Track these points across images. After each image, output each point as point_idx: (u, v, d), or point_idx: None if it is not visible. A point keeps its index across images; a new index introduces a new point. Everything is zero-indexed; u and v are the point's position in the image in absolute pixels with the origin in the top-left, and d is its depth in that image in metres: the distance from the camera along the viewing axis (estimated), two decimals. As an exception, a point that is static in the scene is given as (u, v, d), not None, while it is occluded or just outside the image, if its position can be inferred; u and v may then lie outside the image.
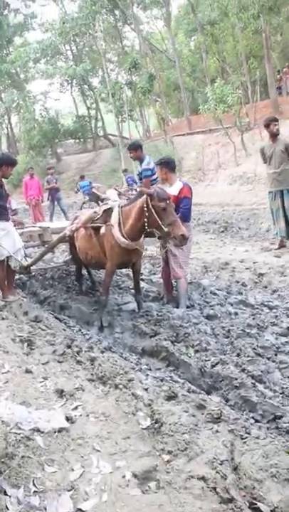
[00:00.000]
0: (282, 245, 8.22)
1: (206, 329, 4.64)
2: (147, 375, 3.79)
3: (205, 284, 6.08)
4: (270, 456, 2.55)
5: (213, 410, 3.13)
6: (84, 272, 6.72)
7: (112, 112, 31.34)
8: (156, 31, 42.77)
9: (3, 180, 5.93)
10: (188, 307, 5.45)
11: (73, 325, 5.12)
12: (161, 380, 3.68)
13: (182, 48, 37.21)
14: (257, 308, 5.16)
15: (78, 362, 3.97)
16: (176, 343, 4.46)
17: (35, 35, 42.73)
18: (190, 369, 4.00)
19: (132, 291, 6.31)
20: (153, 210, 4.67)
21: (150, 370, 4.02)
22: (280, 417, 3.18)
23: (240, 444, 2.73)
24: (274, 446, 2.66)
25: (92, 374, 3.72)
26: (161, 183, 6.11)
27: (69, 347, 4.24)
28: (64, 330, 4.87)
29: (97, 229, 5.41)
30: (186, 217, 5.44)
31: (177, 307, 5.43)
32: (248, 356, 3.93)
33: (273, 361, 3.89)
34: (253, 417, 3.28)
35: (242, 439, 2.81)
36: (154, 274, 7.34)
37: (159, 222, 4.64)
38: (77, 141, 41.84)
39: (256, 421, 3.25)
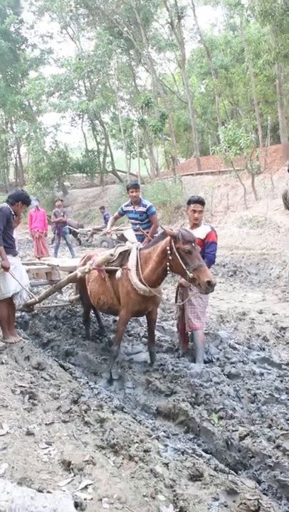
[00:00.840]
0: None
1: (229, 391, 4.15)
2: (166, 445, 3.29)
3: (223, 336, 5.61)
4: None
5: (249, 500, 2.62)
6: (92, 314, 6.25)
7: (122, 149, 31.39)
8: (169, 73, 43.49)
9: None
10: (206, 362, 4.97)
11: (79, 375, 4.62)
12: (183, 453, 3.19)
13: (194, 90, 37.65)
14: (284, 369, 4.66)
15: (86, 423, 3.47)
16: (196, 406, 3.96)
17: (51, 69, 43.48)
18: (213, 439, 3.50)
19: (143, 338, 5.85)
20: (177, 254, 4.27)
21: (168, 437, 3.51)
22: None
23: None
24: None
25: (102, 440, 3.22)
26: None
27: (76, 402, 3.76)
28: (70, 381, 4.37)
29: (112, 272, 4.96)
30: (211, 264, 5.21)
31: (194, 361, 4.96)
32: (282, 429, 3.44)
33: (311, 437, 3.39)
34: (293, 509, 2.77)
35: None
36: (166, 320, 6.86)
37: (184, 266, 4.23)
38: (85, 175, 41.92)
39: (298, 514, 2.75)
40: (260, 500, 2.62)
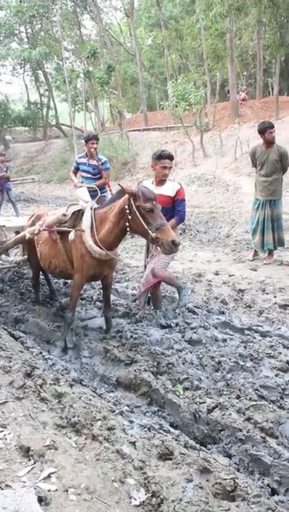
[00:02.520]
0: (255, 257, 7.70)
1: (192, 359, 3.96)
2: (131, 421, 3.07)
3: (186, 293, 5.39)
4: None
5: (224, 479, 2.46)
6: (41, 277, 5.87)
7: (66, 102, 30.19)
8: (115, 23, 41.77)
9: None
10: (164, 327, 4.77)
11: (32, 345, 4.30)
12: (149, 430, 2.98)
13: (142, 43, 36.42)
14: (247, 334, 4.52)
15: (42, 399, 3.19)
16: (158, 376, 3.76)
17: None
18: (179, 411, 3.32)
19: (97, 302, 5.57)
20: (137, 212, 3.93)
21: (132, 412, 3.30)
22: (304, 488, 2.55)
23: None
24: None
25: (61, 418, 2.96)
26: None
27: (29, 376, 3.46)
28: (21, 352, 4.04)
29: (64, 234, 4.56)
30: (182, 222, 5.14)
31: (155, 325, 4.83)
32: (251, 399, 3.30)
33: (282, 407, 3.26)
34: (268, 485, 2.64)
35: (272, 530, 2.17)
36: (119, 282, 6.60)
37: (145, 226, 3.89)
38: (27, 128, 40.28)
39: (272, 490, 2.62)
40: (235, 480, 2.46)
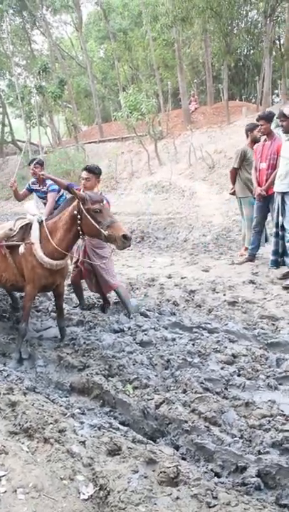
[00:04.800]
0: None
1: (142, 359, 4.11)
2: (82, 422, 3.19)
3: (133, 303, 5.55)
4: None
5: (167, 468, 2.61)
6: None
7: (21, 117, 30.12)
8: (66, 37, 41.96)
9: None
10: (117, 332, 4.91)
11: (-14, 359, 4.37)
12: (99, 429, 3.11)
13: (93, 55, 36.70)
14: (195, 332, 4.70)
15: (-4, 409, 3.28)
16: (110, 378, 3.89)
17: None
18: (130, 410, 3.45)
19: (52, 313, 5.66)
20: (87, 215, 4.11)
21: (84, 414, 3.42)
22: (244, 469, 2.72)
23: (210, 517, 2.24)
24: (249, 516, 2.21)
25: (14, 425, 3.06)
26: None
27: (-17, 388, 3.54)
28: (-25, 365, 4.12)
29: (13, 248, 4.63)
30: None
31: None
32: (196, 392, 3.46)
33: (225, 398, 3.44)
34: (212, 470, 2.80)
35: (209, 507, 2.32)
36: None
37: (97, 226, 4.07)
38: (-17, 146, 39.91)
39: (216, 474, 2.77)
40: (178, 467, 2.61)
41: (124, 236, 4.00)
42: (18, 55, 37.90)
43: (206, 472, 2.76)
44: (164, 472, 2.59)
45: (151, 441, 3.04)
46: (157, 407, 3.38)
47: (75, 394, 3.88)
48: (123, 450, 2.80)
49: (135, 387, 3.68)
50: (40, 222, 4.57)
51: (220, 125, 20.95)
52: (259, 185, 6.92)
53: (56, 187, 6.64)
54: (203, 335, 4.61)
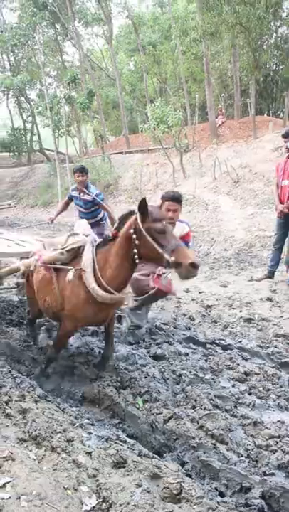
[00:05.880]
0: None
1: (154, 373, 4.12)
2: (90, 433, 3.22)
3: (149, 317, 5.57)
4: None
5: (171, 483, 2.61)
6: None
7: (49, 127, 30.62)
8: (97, 49, 42.63)
9: None
10: (131, 344, 4.93)
11: (2, 365, 4.43)
12: (107, 440, 3.13)
13: (122, 67, 37.19)
14: (209, 348, 4.71)
15: (7, 415, 3.33)
16: (121, 390, 3.91)
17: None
18: (138, 423, 3.47)
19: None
20: (147, 235, 3.39)
21: (92, 424, 3.44)
22: (249, 489, 2.71)
23: (209, 536, 2.24)
24: (249, 538, 2.20)
25: (23, 432, 3.10)
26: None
27: (-4, 394, 3.59)
28: (-10, 371, 4.18)
29: (59, 270, 4.01)
30: None
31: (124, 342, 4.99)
32: (205, 409, 3.46)
33: (234, 416, 3.43)
34: (216, 488, 2.79)
35: (209, 526, 2.32)
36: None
37: (159, 250, 3.35)
38: (12, 154, 40.64)
39: (220, 493, 2.77)
40: (182, 483, 2.62)
41: (193, 264, 3.31)
42: (49, 66, 38.67)
43: (210, 490, 2.76)
44: (168, 488, 2.59)
45: (157, 456, 3.04)
46: (165, 421, 3.39)
47: (86, 404, 3.91)
48: (128, 463, 2.82)
49: (145, 401, 3.70)
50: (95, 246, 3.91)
51: (246, 140, 20.94)
52: (281, 202, 6.91)
53: (102, 196, 6.81)
54: (216, 351, 4.62)
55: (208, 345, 4.76)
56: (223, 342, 4.83)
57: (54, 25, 33.73)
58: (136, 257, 3.51)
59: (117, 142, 35.49)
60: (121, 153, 28.78)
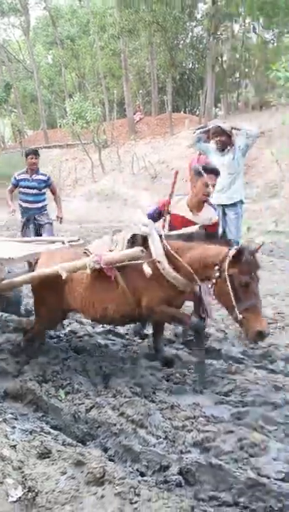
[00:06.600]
0: None
1: (76, 366, 4.22)
2: (14, 427, 3.27)
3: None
4: (166, 525, 2.26)
5: (94, 468, 2.73)
6: None
7: None
8: (14, 40, 41.50)
9: None
10: (52, 338, 5.00)
11: None
12: (31, 433, 3.19)
13: (40, 60, 36.51)
14: (128, 338, 4.89)
15: None
16: (43, 384, 3.97)
17: None
18: (61, 414, 3.55)
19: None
20: (229, 282, 3.15)
21: (16, 419, 3.49)
22: (167, 467, 2.88)
23: (132, 512, 2.39)
24: (168, 510, 2.37)
25: None
26: None
27: None
28: None
29: (124, 270, 3.65)
30: None
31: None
32: (125, 397, 3.61)
33: (153, 401, 3.61)
34: (137, 469, 2.95)
35: (131, 503, 2.47)
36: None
37: (234, 303, 3.14)
38: None
39: (141, 474, 2.93)
40: (105, 467, 2.74)
41: (260, 334, 3.12)
42: None
43: (131, 472, 2.91)
44: (91, 473, 2.70)
45: (80, 444, 3.15)
46: (88, 411, 3.49)
47: (9, 400, 3.93)
48: (53, 453, 2.90)
49: (67, 393, 3.79)
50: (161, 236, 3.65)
51: (163, 136, 21.42)
52: None
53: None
54: (135, 341, 4.80)
55: (127, 337, 4.93)
56: (141, 332, 5.02)
57: None
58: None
59: (35, 137, 34.92)
60: (40, 148, 28.31)
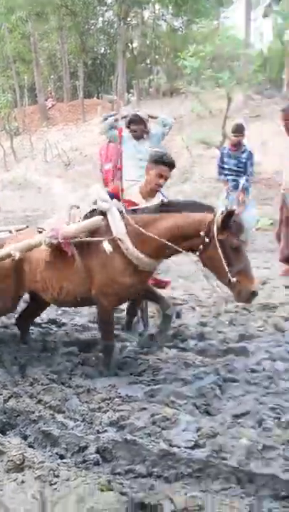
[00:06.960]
0: None
1: (-9, 358, 4.23)
2: None
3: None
4: (85, 500, 2.39)
5: (14, 456, 2.81)
6: None
7: None
8: None
9: None
10: None
11: None
12: None
13: None
14: (45, 327, 4.95)
15: None
16: None
17: None
18: (-23, 406, 3.57)
19: None
20: (219, 248, 3.11)
21: None
22: (85, 448, 3.01)
23: (51, 492, 2.49)
24: (87, 486, 2.50)
25: None
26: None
27: None
28: None
29: (82, 247, 3.49)
30: None
31: None
32: (43, 384, 3.68)
33: (69, 386, 3.72)
34: (57, 453, 3.05)
35: (51, 484, 2.57)
36: None
37: (226, 269, 3.11)
38: None
39: (61, 456, 3.03)
40: (24, 454, 2.82)
41: (254, 293, 3.18)
42: None
43: (51, 456, 3.00)
44: (11, 460, 2.77)
45: (0, 434, 3.20)
46: (6, 401, 3.52)
47: None
48: (-29, 445, 2.93)
49: (-18, 385, 3.80)
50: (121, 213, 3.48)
51: (76, 123, 21.27)
52: (106, 185, 7.25)
53: None
54: (52, 329, 4.88)
55: (43, 325, 4.98)
56: (58, 321, 5.09)
57: None
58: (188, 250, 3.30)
59: None
60: None
